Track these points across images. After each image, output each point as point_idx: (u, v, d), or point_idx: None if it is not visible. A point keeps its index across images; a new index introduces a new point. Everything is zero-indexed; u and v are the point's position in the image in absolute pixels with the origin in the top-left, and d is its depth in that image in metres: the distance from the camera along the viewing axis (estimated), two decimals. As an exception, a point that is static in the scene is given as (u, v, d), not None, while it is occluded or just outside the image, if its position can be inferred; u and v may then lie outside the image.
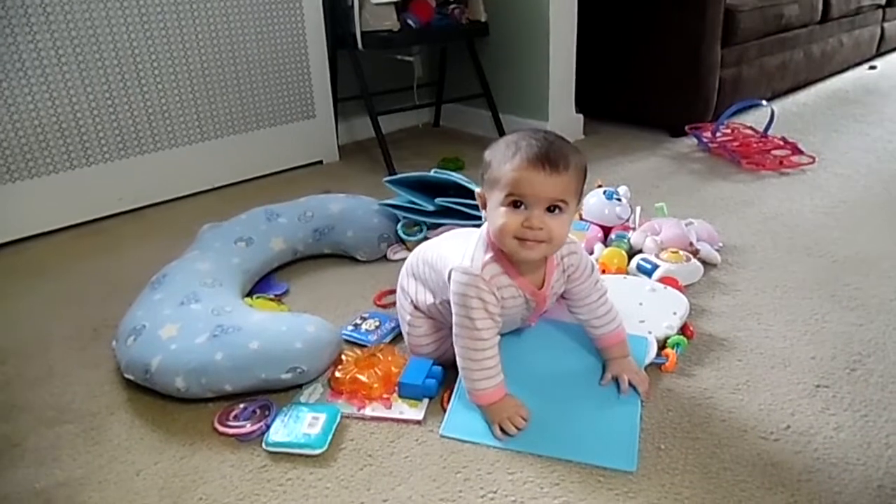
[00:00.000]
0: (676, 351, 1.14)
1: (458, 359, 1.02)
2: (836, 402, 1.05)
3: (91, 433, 1.05)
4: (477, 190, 1.04)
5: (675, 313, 1.20)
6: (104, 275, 1.57)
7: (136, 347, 1.10)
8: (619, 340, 1.10)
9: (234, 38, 2.00)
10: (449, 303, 1.03)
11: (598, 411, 1.02)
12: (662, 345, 1.16)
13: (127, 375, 1.12)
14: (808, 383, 1.10)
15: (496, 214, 0.96)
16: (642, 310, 1.22)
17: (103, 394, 1.14)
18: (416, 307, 1.14)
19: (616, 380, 1.06)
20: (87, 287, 1.51)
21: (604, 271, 1.37)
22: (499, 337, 1.01)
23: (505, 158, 0.95)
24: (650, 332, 1.16)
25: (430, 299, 1.10)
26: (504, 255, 1.00)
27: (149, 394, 1.10)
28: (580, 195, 1.01)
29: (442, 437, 1.00)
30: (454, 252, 1.04)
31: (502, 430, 0.98)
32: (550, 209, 0.95)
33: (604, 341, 1.10)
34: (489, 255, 1.00)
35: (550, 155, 0.94)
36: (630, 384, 1.05)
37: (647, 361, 1.12)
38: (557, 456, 0.95)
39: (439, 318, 1.12)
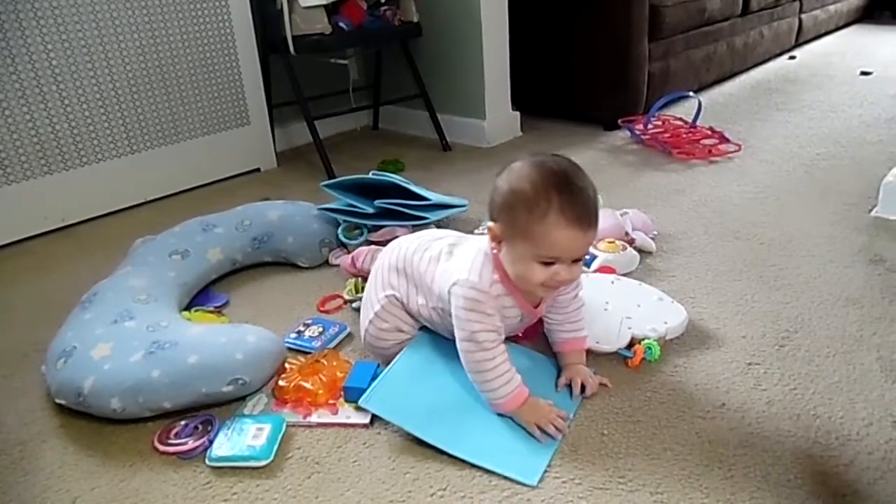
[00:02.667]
0: (646, 353, 1.13)
1: (470, 374, 1.00)
2: (766, 377, 1.10)
3: (22, 463, 1.00)
4: (489, 224, 0.98)
5: (665, 322, 1.19)
6: (33, 297, 1.50)
7: (67, 370, 1.06)
8: (580, 348, 1.12)
9: (160, 46, 1.94)
10: (442, 311, 1.03)
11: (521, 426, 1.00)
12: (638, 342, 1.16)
13: (58, 400, 1.07)
14: (741, 362, 1.14)
15: (524, 266, 0.95)
16: (637, 311, 1.22)
17: (34, 421, 1.09)
18: (393, 302, 1.11)
19: (569, 384, 1.07)
20: (15, 310, 1.45)
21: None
22: (504, 344, 1.00)
23: (536, 211, 0.91)
24: (630, 328, 1.17)
25: (420, 300, 1.09)
26: (509, 279, 0.99)
27: (83, 418, 1.06)
28: None
29: (359, 408, 1.01)
30: (456, 265, 1.02)
31: (543, 431, 0.97)
32: (576, 259, 0.96)
33: (566, 346, 1.12)
34: (496, 275, 0.99)
35: (588, 215, 0.92)
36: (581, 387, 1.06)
37: (614, 350, 1.14)
38: (468, 459, 0.94)
39: (424, 319, 1.11)
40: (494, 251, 0.99)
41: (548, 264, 0.94)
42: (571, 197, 0.91)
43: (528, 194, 0.92)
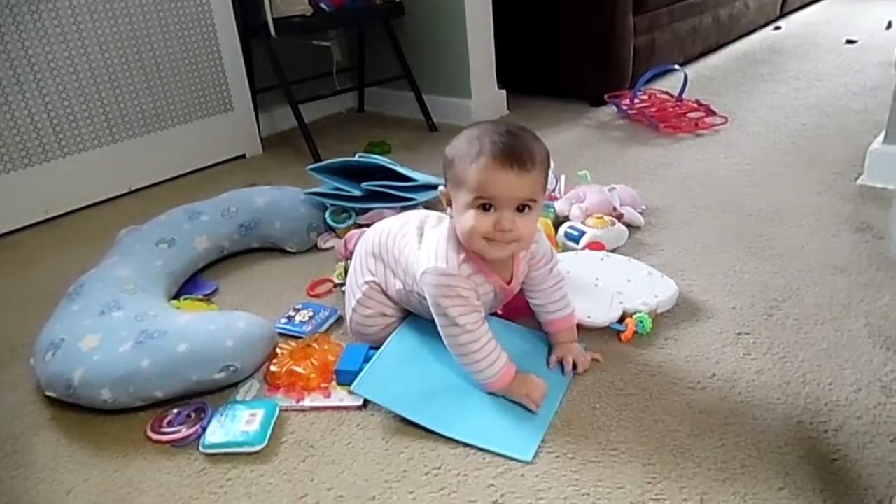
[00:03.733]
0: (637, 327, 1.14)
1: (457, 358, 1.00)
2: (756, 347, 1.11)
3: (14, 457, 1.00)
4: (440, 189, 1.01)
5: (656, 296, 1.19)
6: (19, 290, 1.49)
7: (56, 362, 1.05)
8: (569, 326, 1.11)
9: (138, 33, 1.91)
10: (419, 294, 1.03)
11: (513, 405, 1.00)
12: (629, 316, 1.16)
13: (48, 393, 1.07)
14: (730, 332, 1.15)
15: (465, 217, 0.95)
16: (627, 286, 1.22)
17: (25, 415, 1.08)
18: (374, 287, 1.11)
19: (561, 362, 1.08)
20: (2, 304, 1.43)
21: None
22: (486, 323, 1.00)
23: (469, 157, 0.92)
24: (621, 303, 1.18)
25: (398, 285, 1.09)
26: (475, 254, 0.99)
27: (74, 409, 1.05)
28: (545, 189, 1.00)
29: (352, 393, 1.01)
30: (423, 252, 1.01)
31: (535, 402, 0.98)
32: (520, 209, 0.94)
33: (554, 325, 1.11)
34: (462, 255, 0.99)
35: (517, 153, 0.92)
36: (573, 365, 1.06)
37: (605, 324, 1.15)
38: (462, 439, 0.94)
39: (404, 303, 1.11)
40: (452, 221, 1.00)
41: (487, 209, 0.94)
42: (502, 139, 0.93)
43: (463, 146, 0.95)
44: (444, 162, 0.99)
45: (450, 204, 0.99)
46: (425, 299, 1.02)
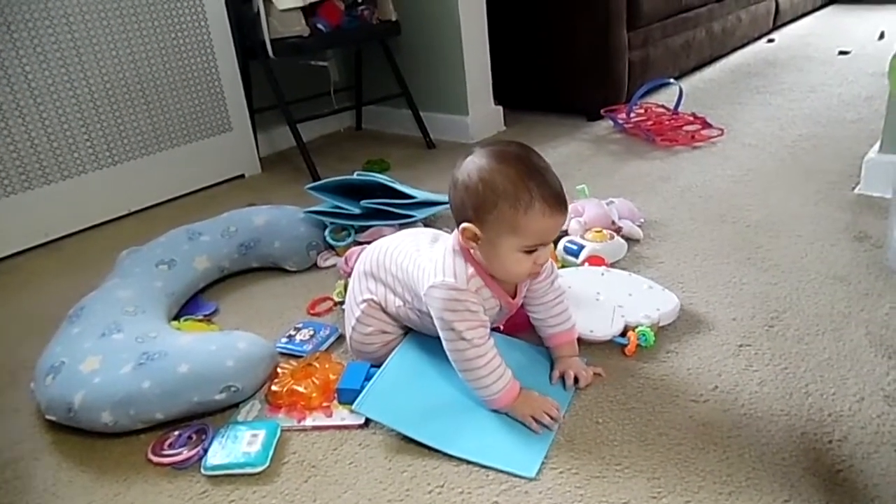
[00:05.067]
0: (640, 340, 1.14)
1: (461, 374, 0.99)
2: (757, 358, 1.11)
3: (15, 483, 0.99)
4: (464, 225, 0.96)
5: (658, 309, 1.19)
6: (19, 314, 1.49)
7: (56, 385, 1.05)
8: (570, 340, 1.11)
9: (137, 56, 1.93)
10: (420, 312, 1.03)
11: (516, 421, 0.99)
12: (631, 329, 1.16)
13: (49, 416, 1.06)
14: (732, 344, 1.15)
15: (510, 260, 0.96)
16: (629, 300, 1.22)
17: (25, 439, 1.08)
18: (372, 305, 1.11)
19: (563, 377, 1.07)
20: (2, 328, 1.43)
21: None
22: (493, 339, 1.00)
23: (521, 204, 0.91)
24: (623, 316, 1.18)
25: (398, 302, 1.09)
26: (481, 269, 0.99)
27: (75, 433, 1.05)
28: None
29: (355, 411, 1.00)
30: (428, 267, 1.01)
31: (537, 422, 0.97)
32: None
33: (556, 340, 1.11)
34: (471, 269, 0.99)
35: (562, 193, 0.94)
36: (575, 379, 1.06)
37: (608, 338, 1.15)
38: (465, 457, 0.93)
39: (403, 320, 1.11)
40: (465, 247, 0.99)
41: (531, 252, 0.96)
42: (545, 180, 0.93)
43: (507, 189, 0.92)
44: (472, 199, 0.94)
45: (474, 239, 0.96)
46: (427, 315, 1.02)
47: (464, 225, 0.96)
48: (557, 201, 0.93)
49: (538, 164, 0.95)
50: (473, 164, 0.95)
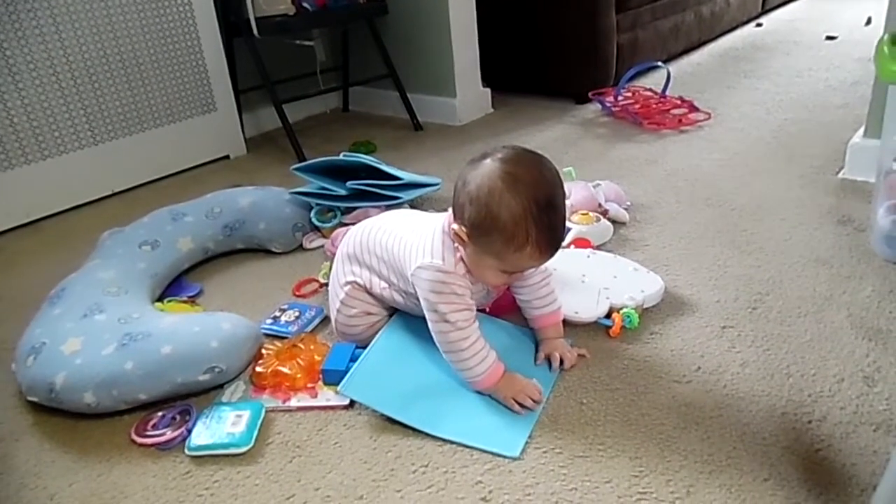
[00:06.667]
0: (625, 321, 1.14)
1: (445, 355, 1.00)
2: (740, 340, 1.12)
3: (-4, 463, 0.99)
4: (454, 226, 0.96)
5: (642, 291, 1.19)
6: (0, 295, 1.47)
7: (37, 367, 1.04)
8: (556, 321, 1.12)
9: (118, 33, 1.89)
10: (405, 293, 1.04)
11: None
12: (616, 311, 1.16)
13: (30, 398, 1.05)
14: (715, 325, 1.16)
15: (487, 272, 0.98)
16: (614, 282, 1.23)
17: (6, 420, 1.07)
18: (356, 287, 1.10)
19: (548, 358, 1.08)
20: (-19, 310, 1.41)
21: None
22: (478, 321, 1.00)
23: (514, 243, 0.91)
24: (608, 298, 1.18)
25: (382, 284, 1.08)
26: None
27: (57, 414, 1.04)
28: None
29: (340, 393, 1.00)
30: (416, 248, 1.01)
31: (520, 405, 0.97)
32: None
33: (541, 321, 1.11)
34: (458, 253, 0.99)
35: (558, 240, 0.95)
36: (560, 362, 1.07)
37: (593, 320, 1.16)
38: (450, 438, 0.94)
39: (388, 301, 1.11)
40: (448, 223, 0.99)
41: (509, 273, 0.98)
42: (549, 225, 0.92)
43: (506, 226, 0.90)
44: (471, 213, 0.93)
45: (461, 241, 0.97)
46: (413, 296, 1.02)
47: (455, 225, 0.97)
48: (550, 247, 0.94)
49: (550, 199, 0.92)
50: (487, 179, 0.92)
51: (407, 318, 1.12)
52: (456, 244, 0.99)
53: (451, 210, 0.99)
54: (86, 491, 0.92)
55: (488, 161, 0.94)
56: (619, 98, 2.36)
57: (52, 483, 0.94)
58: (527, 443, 0.93)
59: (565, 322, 1.13)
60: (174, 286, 1.40)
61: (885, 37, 1.20)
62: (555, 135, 2.20)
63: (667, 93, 2.37)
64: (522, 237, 0.91)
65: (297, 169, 1.60)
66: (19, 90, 1.74)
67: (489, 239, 0.93)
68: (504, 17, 2.53)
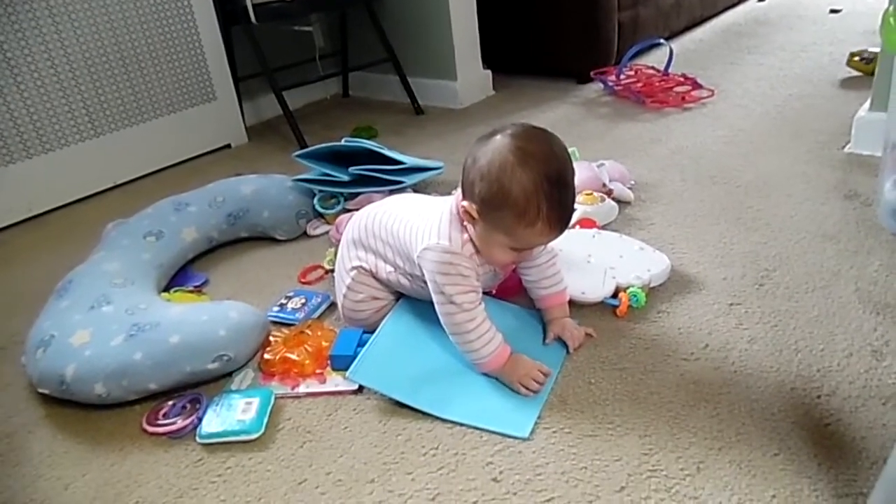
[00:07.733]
0: (631, 300, 1.14)
1: (452, 337, 1.00)
2: (748, 316, 1.11)
3: (10, 455, 0.99)
4: (464, 204, 0.95)
5: (648, 270, 1.19)
6: (7, 289, 1.47)
7: (47, 359, 1.04)
8: (562, 302, 1.11)
9: (115, 24, 1.88)
10: (411, 276, 1.03)
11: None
12: (623, 290, 1.16)
13: (41, 390, 1.06)
14: (722, 303, 1.15)
15: (496, 249, 0.97)
16: (620, 261, 1.22)
17: (18, 413, 1.08)
18: (362, 272, 1.10)
19: (559, 338, 1.08)
20: (-11, 304, 1.42)
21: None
22: (484, 303, 1.00)
23: (525, 219, 0.90)
24: (614, 278, 1.18)
25: (388, 268, 1.08)
26: None
27: (68, 406, 1.05)
28: None
29: (348, 379, 1.01)
30: (423, 230, 1.00)
31: (525, 388, 0.97)
32: None
33: (547, 301, 1.11)
34: (465, 234, 0.98)
35: (568, 216, 0.94)
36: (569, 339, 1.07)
37: (599, 300, 1.15)
38: (459, 421, 0.94)
39: (394, 286, 1.11)
40: (456, 204, 0.99)
41: (518, 250, 0.98)
42: (560, 200, 0.92)
43: (518, 202, 0.90)
44: (482, 189, 0.92)
45: (470, 218, 0.96)
46: (419, 280, 1.01)
47: (464, 203, 0.96)
48: (560, 222, 0.93)
49: (561, 175, 0.91)
50: (498, 155, 0.91)
51: (413, 302, 1.12)
52: (465, 224, 0.98)
53: (459, 190, 0.99)
54: (100, 480, 0.93)
55: (498, 137, 0.93)
56: (622, 77, 2.34)
57: (67, 473, 0.95)
58: (536, 423, 0.93)
59: (572, 303, 1.13)
60: (180, 276, 1.40)
61: (891, 8, 1.18)
62: (557, 115, 2.19)
63: (669, 70, 2.35)
64: (534, 212, 0.90)
65: (298, 156, 1.59)
66: (18, 84, 1.73)
67: (500, 214, 0.92)
68: (503, -2, 2.51)
